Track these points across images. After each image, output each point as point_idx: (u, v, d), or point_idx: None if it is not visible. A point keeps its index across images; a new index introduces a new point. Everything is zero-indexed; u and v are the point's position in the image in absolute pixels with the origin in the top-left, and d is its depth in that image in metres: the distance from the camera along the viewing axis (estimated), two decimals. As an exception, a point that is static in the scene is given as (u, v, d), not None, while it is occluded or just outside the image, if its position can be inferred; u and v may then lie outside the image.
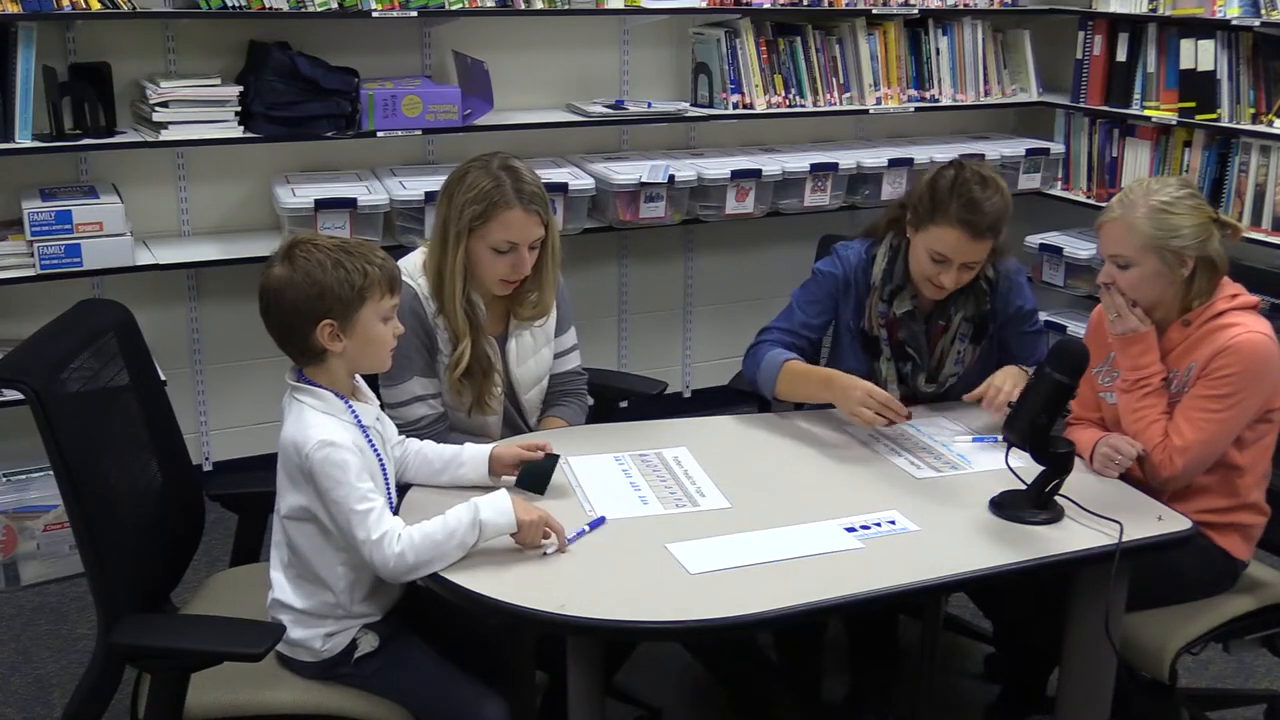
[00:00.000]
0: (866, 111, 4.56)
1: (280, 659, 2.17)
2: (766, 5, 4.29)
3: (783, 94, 4.39)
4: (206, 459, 4.09)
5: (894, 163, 4.42)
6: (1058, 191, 4.84)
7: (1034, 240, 4.67)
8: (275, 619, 2.16)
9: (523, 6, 3.88)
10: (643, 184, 4.02)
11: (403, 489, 2.31)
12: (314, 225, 3.64)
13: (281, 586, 2.16)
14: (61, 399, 2.05)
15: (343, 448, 2.05)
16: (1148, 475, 2.47)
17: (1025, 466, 2.32)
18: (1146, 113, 4.48)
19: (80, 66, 3.57)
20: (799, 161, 4.30)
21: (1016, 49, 4.86)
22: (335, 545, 2.11)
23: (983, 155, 4.48)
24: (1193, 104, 4.32)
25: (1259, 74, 4.22)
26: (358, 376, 2.21)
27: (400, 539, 2.04)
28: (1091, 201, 4.71)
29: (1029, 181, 4.70)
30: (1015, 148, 4.71)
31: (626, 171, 4.05)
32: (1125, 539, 2.20)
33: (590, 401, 2.85)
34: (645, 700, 2.92)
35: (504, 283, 2.54)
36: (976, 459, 2.56)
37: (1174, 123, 4.39)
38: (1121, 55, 4.57)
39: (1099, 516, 2.27)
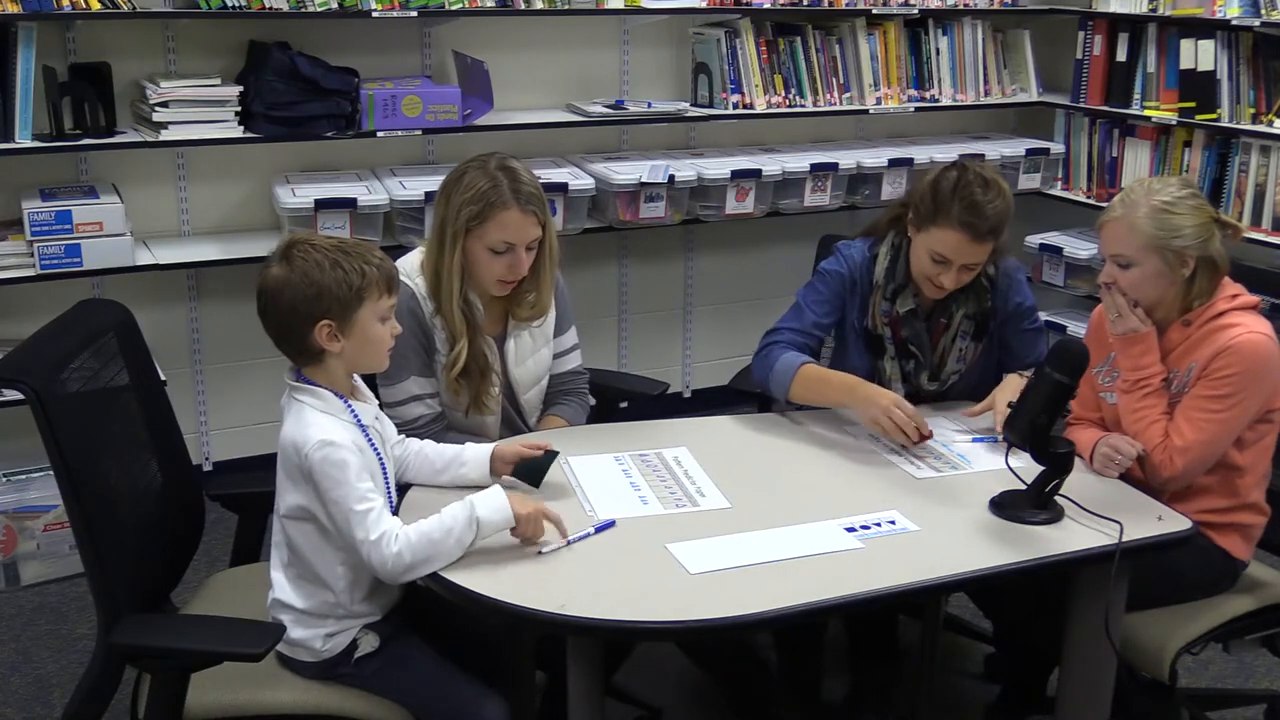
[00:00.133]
0: (866, 111, 4.56)
1: (280, 659, 2.17)
2: (766, 5, 4.29)
3: (783, 94, 4.39)
4: (206, 459, 4.09)
5: (894, 163, 4.42)
6: (1058, 191, 4.84)
7: (1034, 240, 4.67)
8: (276, 619, 2.16)
9: (523, 6, 3.88)
10: (643, 184, 4.02)
11: (403, 489, 2.31)
12: (314, 225, 3.64)
13: (282, 586, 2.16)
14: (61, 399, 2.05)
15: (342, 447, 2.05)
16: (1148, 476, 2.47)
17: (1025, 466, 2.32)
18: (1146, 113, 4.48)
19: (80, 66, 3.57)
20: (799, 161, 4.30)
21: (1016, 49, 4.86)
22: (334, 545, 2.11)
23: (983, 155, 4.48)
24: (1193, 104, 4.32)
25: (1259, 74, 4.22)
26: (356, 376, 2.21)
27: (398, 539, 2.04)
28: (1091, 201, 4.71)
29: (1029, 181, 4.70)
30: (1015, 148, 4.71)
31: (626, 171, 4.05)
32: (1125, 539, 2.20)
33: (592, 402, 2.85)
34: (645, 700, 2.92)
35: (501, 283, 2.54)
36: (976, 459, 2.56)
37: (1174, 123, 4.39)
38: (1121, 55, 4.57)
39: (1099, 516, 2.27)
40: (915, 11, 4.55)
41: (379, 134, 3.79)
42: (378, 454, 2.16)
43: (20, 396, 2.00)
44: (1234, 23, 4.13)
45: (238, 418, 4.10)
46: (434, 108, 3.82)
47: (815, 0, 4.38)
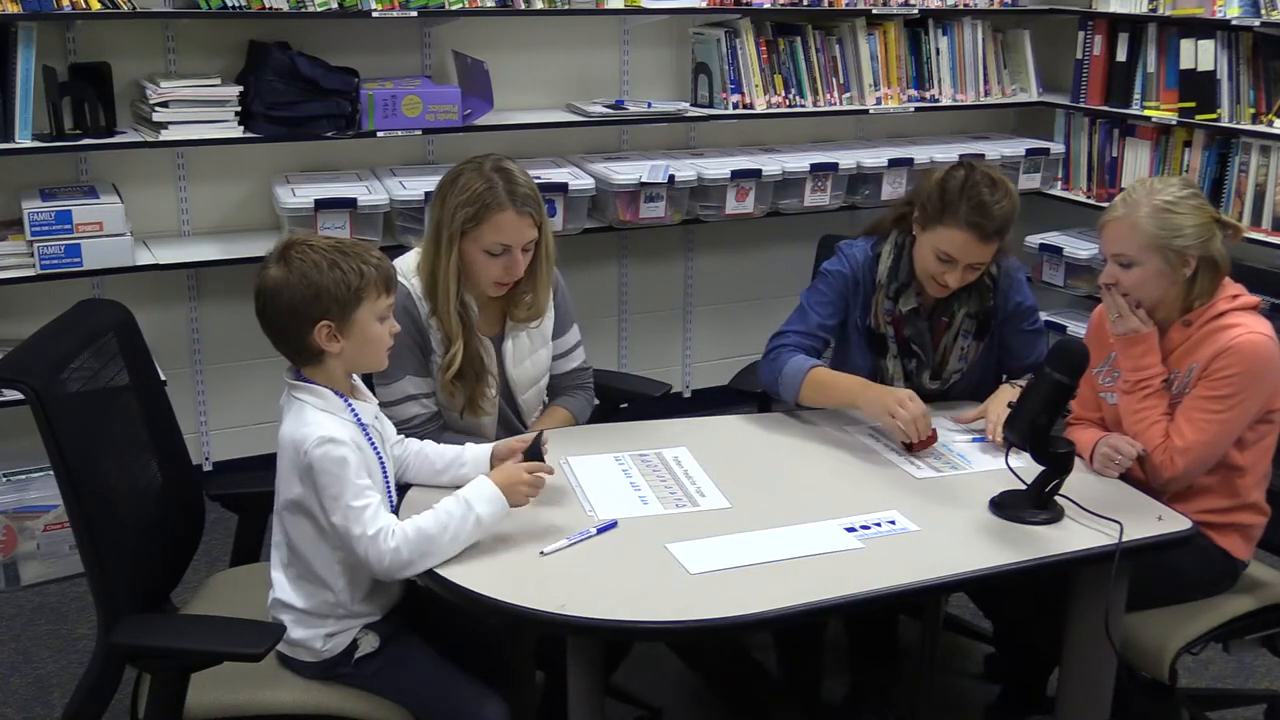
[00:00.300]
0: (866, 111, 4.56)
1: (280, 659, 2.17)
2: (766, 5, 4.29)
3: (783, 94, 4.39)
4: (206, 459, 4.09)
5: (894, 163, 4.42)
6: (1058, 191, 4.84)
7: (1034, 240, 4.67)
8: (276, 619, 2.16)
9: (523, 6, 3.88)
10: (643, 184, 4.02)
11: (402, 489, 2.31)
12: (314, 225, 3.64)
13: (282, 586, 2.16)
14: (61, 399, 2.05)
15: (343, 444, 2.06)
16: (1149, 476, 2.46)
17: (1025, 466, 2.32)
18: (1146, 113, 4.48)
19: (80, 66, 3.57)
20: (799, 161, 4.30)
21: (1016, 49, 4.86)
22: (332, 544, 2.11)
23: (983, 155, 4.48)
24: (1193, 104, 4.32)
25: (1259, 74, 4.22)
26: (355, 376, 2.21)
27: (394, 535, 2.04)
28: (1091, 201, 4.71)
29: (1029, 181, 4.70)
30: (1015, 148, 4.70)
31: (626, 171, 4.05)
32: (1125, 539, 2.20)
33: (595, 402, 2.85)
34: (645, 700, 2.92)
35: (498, 285, 2.54)
36: (976, 459, 2.56)
37: (1174, 123, 4.39)
38: (1121, 55, 4.57)
39: (1099, 516, 2.27)
40: (915, 11, 4.55)
41: (379, 134, 3.79)
42: (377, 453, 2.16)
43: (20, 396, 2.00)
44: (1234, 23, 4.13)
45: (238, 418, 4.10)
46: (434, 108, 3.82)
47: (815, 0, 4.38)
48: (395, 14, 3.72)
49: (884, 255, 2.75)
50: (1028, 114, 5.05)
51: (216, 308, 3.99)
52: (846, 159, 4.38)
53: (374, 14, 3.68)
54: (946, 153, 4.50)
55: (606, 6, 4.03)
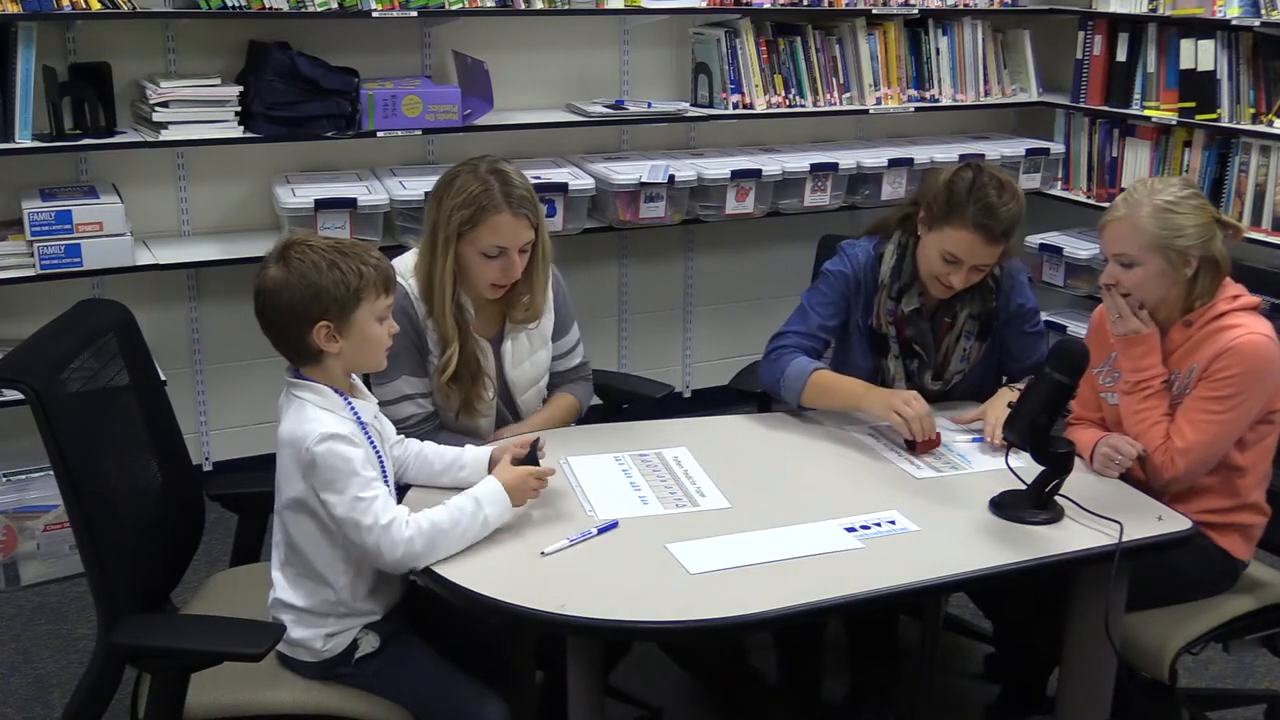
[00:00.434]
0: (866, 111, 4.56)
1: (281, 659, 2.17)
2: (766, 5, 4.29)
3: (783, 94, 4.38)
4: (206, 459, 4.09)
5: (894, 163, 4.42)
6: (1058, 191, 4.84)
7: (1034, 240, 4.67)
8: (277, 618, 2.16)
9: (523, 6, 3.88)
10: (643, 184, 4.02)
11: (401, 489, 2.31)
12: (314, 225, 3.64)
13: (282, 585, 2.16)
14: (61, 399, 2.05)
15: (346, 439, 2.06)
16: (1150, 477, 2.46)
17: (1025, 466, 2.32)
18: (1146, 113, 4.48)
19: (80, 66, 3.57)
20: (799, 161, 4.30)
21: (1016, 49, 4.86)
22: (334, 541, 2.11)
23: (983, 155, 4.48)
24: (1193, 104, 4.32)
25: (1259, 74, 4.22)
26: (354, 376, 2.21)
27: (409, 524, 2.06)
28: (1091, 201, 4.71)
29: (1029, 181, 4.69)
30: (1015, 148, 4.70)
31: (626, 171, 4.05)
32: (1125, 539, 2.20)
33: (596, 400, 2.85)
34: (645, 700, 2.92)
35: (495, 287, 2.54)
36: (976, 459, 2.56)
37: (1174, 123, 4.39)
38: (1121, 55, 4.57)
39: (1099, 516, 2.27)
40: (915, 11, 4.55)
41: (379, 134, 3.79)
42: (377, 452, 2.16)
43: (20, 396, 2.00)
44: (1234, 23, 4.13)
45: (238, 418, 4.10)
46: (434, 108, 3.82)
47: (815, 0, 4.38)
48: (395, 14, 3.72)
49: (887, 255, 2.75)
50: (1028, 114, 5.05)
51: (216, 308, 3.99)
52: (846, 159, 4.38)
53: (374, 14, 3.68)
54: (946, 153, 4.50)
55: (606, 6, 4.03)
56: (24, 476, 3.57)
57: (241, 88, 3.62)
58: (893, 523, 2.26)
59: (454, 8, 3.78)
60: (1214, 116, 4.27)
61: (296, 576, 2.15)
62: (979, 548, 2.20)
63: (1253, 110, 4.23)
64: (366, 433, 2.15)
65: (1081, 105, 4.72)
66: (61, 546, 3.54)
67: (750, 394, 3.04)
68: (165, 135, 3.53)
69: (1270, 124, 4.17)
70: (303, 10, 3.59)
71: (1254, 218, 4.20)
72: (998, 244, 2.59)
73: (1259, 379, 2.41)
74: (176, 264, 3.69)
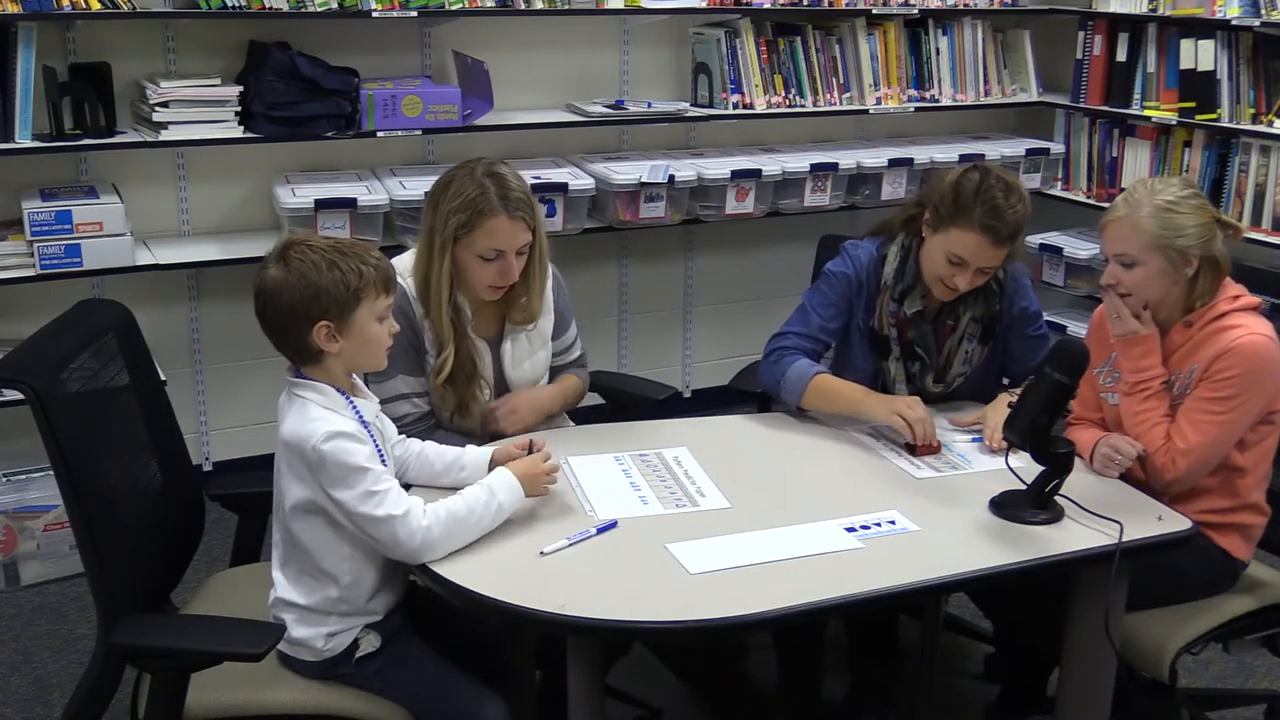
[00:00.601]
0: (866, 111, 4.56)
1: (281, 658, 2.17)
2: (766, 5, 4.29)
3: (783, 94, 4.39)
4: (206, 459, 4.09)
5: (894, 163, 4.42)
6: (1058, 191, 4.84)
7: (1034, 240, 4.67)
8: (278, 618, 2.16)
9: (523, 6, 3.88)
10: (643, 184, 4.02)
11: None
12: (314, 225, 3.64)
13: (284, 585, 2.16)
14: (61, 399, 2.05)
15: (351, 436, 2.06)
16: (1151, 478, 2.46)
17: (1025, 466, 2.32)
18: (1146, 113, 4.48)
19: (80, 66, 3.57)
20: (799, 161, 4.30)
21: (1016, 49, 4.86)
22: (344, 538, 2.11)
23: (983, 155, 4.48)
24: (1193, 104, 4.32)
25: (1259, 74, 4.22)
26: (354, 375, 2.21)
27: (427, 513, 2.07)
28: (1092, 201, 4.71)
29: (1029, 181, 4.69)
30: (1015, 148, 4.70)
31: (626, 171, 4.05)
32: (1125, 539, 2.20)
33: (599, 400, 2.85)
34: (645, 700, 2.92)
35: (493, 289, 2.54)
36: (976, 459, 2.56)
37: (1174, 123, 4.39)
38: (1121, 55, 4.57)
39: (1099, 516, 2.27)
40: (915, 11, 4.55)
41: (379, 134, 3.79)
42: (379, 451, 2.16)
43: (20, 396, 2.00)
44: (1234, 23, 4.13)
45: (238, 418, 4.10)
46: (434, 108, 3.82)
47: (815, 0, 4.38)
48: (395, 14, 3.72)
49: (890, 257, 2.74)
50: (1028, 114, 5.05)
51: (216, 308, 3.99)
52: (846, 159, 4.38)
53: (374, 14, 3.68)
54: (946, 153, 4.50)
55: (606, 6, 4.03)
56: (24, 476, 3.57)
57: (241, 88, 3.62)
58: (893, 523, 2.26)
59: (454, 8, 3.78)
60: (1214, 116, 4.27)
61: (298, 575, 2.15)
62: (979, 548, 2.20)
63: (1253, 110, 4.23)
64: (369, 432, 2.15)
65: (1081, 105, 4.72)
66: (61, 546, 3.54)
67: (750, 394, 3.04)
68: (165, 135, 3.53)
69: (1270, 124, 4.17)
70: (303, 10, 3.59)
71: (1254, 218, 4.20)
72: (1004, 246, 2.58)
73: (1260, 379, 2.41)
74: (176, 264, 3.69)
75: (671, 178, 4.06)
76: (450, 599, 2.04)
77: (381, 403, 2.49)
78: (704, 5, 4.18)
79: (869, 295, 2.76)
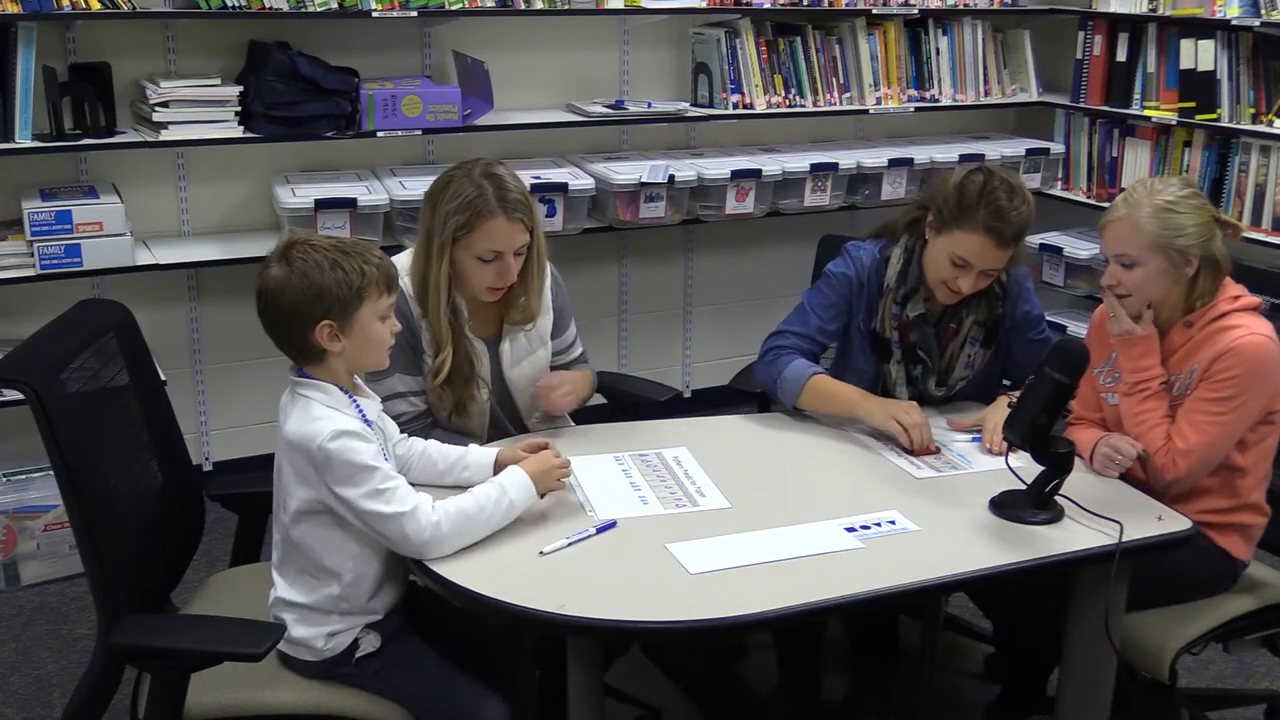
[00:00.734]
0: (866, 111, 4.56)
1: (281, 658, 2.17)
2: (766, 5, 4.29)
3: (783, 94, 4.39)
4: (206, 459, 4.09)
5: (894, 163, 4.42)
6: (1058, 191, 4.84)
7: (1034, 240, 4.66)
8: (278, 617, 2.16)
9: (523, 6, 3.88)
10: (643, 184, 4.02)
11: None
12: (314, 225, 3.64)
13: (284, 584, 2.16)
14: (61, 399, 2.05)
15: (357, 434, 2.07)
16: (1151, 478, 2.46)
17: (1025, 466, 2.32)
18: (1146, 113, 4.48)
19: (80, 66, 3.57)
20: (799, 161, 4.30)
21: (1016, 49, 4.86)
22: (348, 536, 2.11)
23: (983, 155, 4.49)
24: (1193, 104, 4.32)
25: (1259, 74, 4.22)
26: (355, 375, 2.21)
27: (436, 508, 2.07)
28: (1092, 201, 4.71)
29: (1029, 181, 4.64)
30: (1015, 148, 4.71)
31: (626, 171, 4.05)
32: (1125, 539, 2.20)
33: (601, 400, 2.85)
34: (645, 700, 2.92)
35: (491, 290, 2.54)
36: (976, 459, 2.56)
37: (1174, 123, 4.39)
38: (1121, 55, 4.57)
39: (1099, 516, 2.26)
40: (915, 11, 4.55)
41: (379, 134, 3.79)
42: (382, 449, 2.16)
43: (20, 396, 2.00)
44: (1234, 23, 4.13)
45: (238, 418, 4.10)
46: (434, 108, 3.82)
47: (815, 0, 4.38)
48: (395, 14, 3.72)
49: (893, 259, 2.74)
50: (1028, 114, 5.05)
51: (216, 308, 3.99)
52: (846, 159, 4.38)
53: (374, 14, 3.68)
54: (946, 153, 4.50)
55: (606, 6, 4.03)
56: (24, 476, 3.57)
57: (241, 88, 3.62)
58: (893, 523, 2.26)
59: (454, 8, 3.78)
60: (1214, 116, 4.27)
61: (298, 574, 2.15)
62: (979, 548, 2.20)
63: (1253, 110, 4.23)
64: (372, 430, 2.15)
65: (1081, 105, 4.72)
66: (61, 546, 3.54)
67: (750, 394, 3.04)
68: (165, 135, 3.53)
69: (1270, 124, 4.17)
70: (303, 10, 3.59)
71: (1254, 218, 4.20)
72: (1008, 248, 2.58)
73: (1260, 380, 2.41)
74: (176, 264, 3.69)
75: (671, 178, 4.06)
76: (450, 599, 2.04)
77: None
78: (704, 5, 4.18)
79: (870, 297, 2.76)
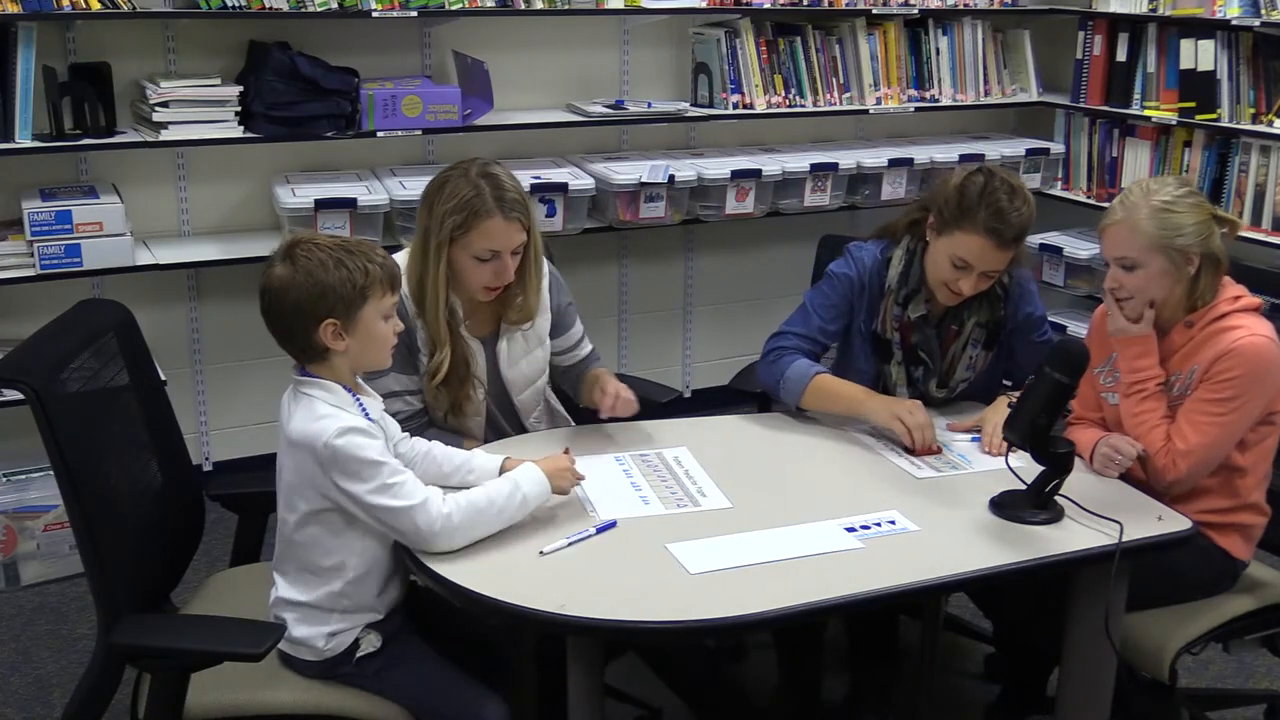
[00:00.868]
0: (866, 111, 4.56)
1: (282, 658, 2.17)
2: (766, 5, 4.29)
3: (783, 94, 4.39)
4: (206, 459, 4.09)
5: (894, 163, 4.42)
6: (1058, 191, 4.84)
7: (1034, 240, 4.66)
8: (279, 617, 2.16)
9: (523, 6, 3.88)
10: (643, 184, 4.02)
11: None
12: (314, 225, 3.64)
13: (285, 584, 2.16)
14: (61, 399, 2.05)
15: (363, 431, 2.07)
16: (1152, 479, 2.46)
17: (1025, 466, 2.32)
18: (1146, 113, 4.48)
19: (80, 66, 3.57)
20: (799, 161, 4.30)
21: (1016, 49, 4.86)
22: (355, 532, 2.11)
23: (983, 155, 4.49)
24: (1193, 104, 4.32)
25: (1259, 74, 4.22)
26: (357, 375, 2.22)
27: (446, 501, 2.07)
28: (1091, 201, 4.72)
29: (1029, 181, 4.65)
30: (1015, 148, 4.71)
31: (626, 171, 4.05)
32: (1125, 539, 2.20)
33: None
34: (645, 700, 2.92)
35: (488, 289, 2.54)
36: (976, 459, 2.56)
37: (1174, 123, 4.39)
38: (1121, 55, 4.57)
39: (1099, 516, 2.26)
40: (915, 11, 4.55)
41: (379, 134, 3.79)
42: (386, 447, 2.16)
43: (20, 396, 2.00)
44: (1234, 23, 4.14)
45: (238, 418, 4.10)
46: (434, 108, 3.82)
47: (815, 0, 4.38)
48: (395, 14, 3.72)
49: (895, 260, 2.74)
50: (1028, 114, 5.05)
51: (216, 308, 3.99)
52: (846, 159, 4.38)
53: (374, 14, 3.68)
54: (946, 153, 4.50)
55: (606, 6, 4.03)
56: (24, 476, 3.57)
57: (241, 88, 3.62)
58: (893, 523, 2.26)
59: (454, 8, 3.78)
60: (1214, 116, 4.27)
61: (300, 572, 2.15)
62: (979, 548, 2.20)
63: (1253, 110, 4.23)
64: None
65: (1081, 105, 4.72)
66: (61, 546, 3.54)
67: (750, 394, 3.04)
68: (165, 135, 3.53)
69: (1270, 124, 4.17)
70: (303, 10, 3.59)
71: (1254, 218, 4.20)
72: (1008, 249, 2.58)
73: (1260, 380, 2.40)
74: (176, 264, 3.69)
75: (671, 178, 4.06)
76: (450, 599, 2.04)
77: (375, 399, 2.50)
78: (704, 5, 4.18)
79: (871, 298, 2.76)
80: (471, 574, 2.04)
